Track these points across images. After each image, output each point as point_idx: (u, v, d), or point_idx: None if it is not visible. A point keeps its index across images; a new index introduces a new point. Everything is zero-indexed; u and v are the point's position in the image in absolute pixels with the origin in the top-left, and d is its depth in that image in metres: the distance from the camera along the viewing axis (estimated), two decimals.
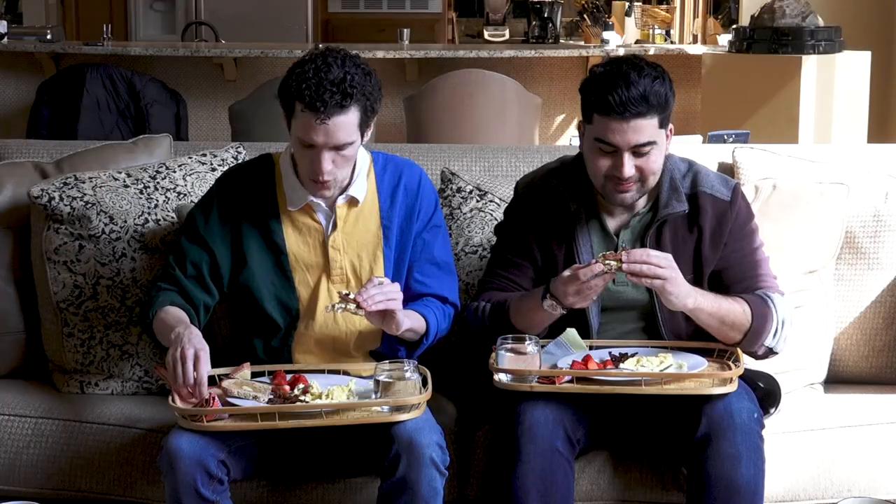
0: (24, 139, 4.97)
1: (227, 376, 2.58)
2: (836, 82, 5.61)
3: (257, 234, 2.72)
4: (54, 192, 2.98)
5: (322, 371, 2.67)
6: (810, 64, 5.53)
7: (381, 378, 2.47)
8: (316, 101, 2.54)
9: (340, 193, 2.72)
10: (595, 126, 2.60)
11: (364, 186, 2.75)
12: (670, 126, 2.66)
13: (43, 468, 2.78)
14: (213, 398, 2.46)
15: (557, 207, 2.72)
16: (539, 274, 2.74)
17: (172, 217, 3.00)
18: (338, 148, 2.59)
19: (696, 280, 2.67)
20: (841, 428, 2.77)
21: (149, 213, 3.00)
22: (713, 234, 2.68)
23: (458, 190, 3.14)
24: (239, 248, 2.73)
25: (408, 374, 2.49)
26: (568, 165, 2.79)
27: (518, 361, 2.55)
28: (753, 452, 2.48)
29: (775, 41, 5.66)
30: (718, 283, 2.70)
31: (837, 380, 3.09)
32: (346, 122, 2.58)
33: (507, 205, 2.87)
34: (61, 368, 3.02)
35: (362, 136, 2.65)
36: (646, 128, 2.57)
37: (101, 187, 3.01)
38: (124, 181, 3.03)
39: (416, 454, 2.43)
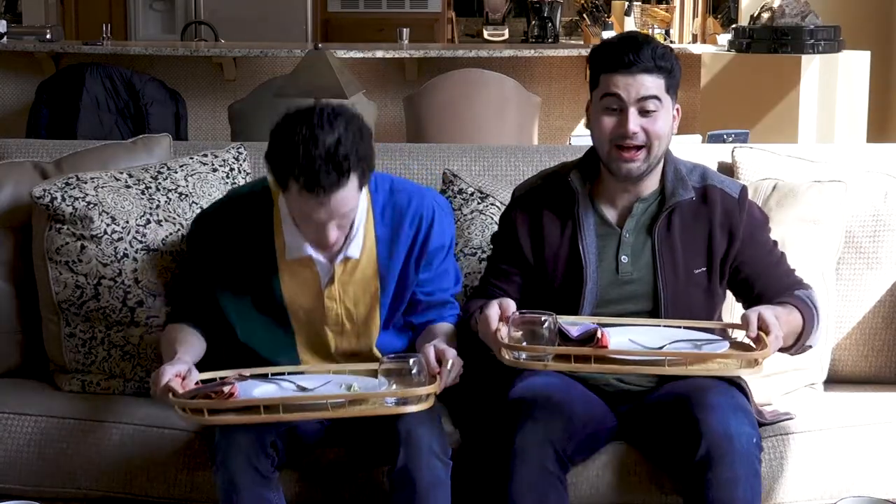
0: (23, 139, 4.95)
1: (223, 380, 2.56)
2: (835, 82, 5.61)
3: (255, 286, 2.68)
4: (56, 192, 2.97)
5: (327, 372, 2.65)
6: (810, 64, 5.53)
7: (387, 368, 2.45)
8: (312, 184, 2.41)
9: (338, 253, 2.63)
10: (601, 86, 2.63)
11: (361, 241, 2.65)
12: (677, 106, 2.67)
13: (43, 467, 2.78)
14: (230, 389, 2.41)
15: (559, 202, 2.71)
16: (531, 278, 2.72)
17: (174, 217, 3.00)
18: (342, 217, 2.51)
19: (710, 270, 2.67)
20: (841, 428, 2.77)
21: (150, 214, 2.99)
22: (722, 227, 2.66)
23: (460, 191, 3.13)
24: (235, 298, 2.70)
25: (414, 367, 2.45)
26: (565, 167, 2.78)
27: (533, 338, 2.46)
28: (752, 476, 2.46)
29: (775, 41, 5.67)
30: (746, 289, 2.69)
31: (837, 379, 3.09)
32: (347, 194, 2.46)
33: (503, 211, 2.83)
34: (62, 368, 3.02)
35: (361, 189, 2.53)
36: (652, 84, 2.60)
37: (102, 187, 3.01)
38: (126, 181, 3.03)
39: (415, 444, 2.43)
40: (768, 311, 2.47)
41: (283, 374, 2.61)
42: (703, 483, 2.44)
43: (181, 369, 2.48)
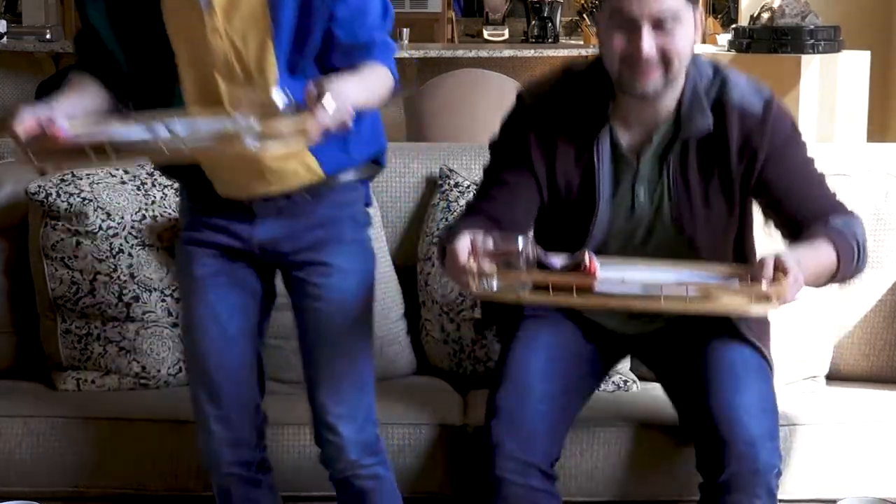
0: None
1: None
2: (835, 82, 5.61)
3: (137, 21, 2.24)
4: (51, 188, 2.98)
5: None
6: (810, 64, 5.53)
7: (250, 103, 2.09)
8: None
9: None
10: (608, 1, 2.24)
11: None
12: (700, 10, 2.29)
13: (40, 466, 2.78)
14: (53, 131, 2.07)
15: (574, 121, 2.37)
16: (538, 200, 2.40)
17: (170, 213, 3.00)
18: None
19: (730, 206, 2.39)
20: (841, 427, 2.76)
21: (146, 210, 3.00)
22: (740, 153, 2.34)
23: (456, 185, 3.15)
24: (118, 36, 2.28)
25: (279, 102, 2.05)
26: (577, 76, 2.41)
27: (508, 269, 2.11)
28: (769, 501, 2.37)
29: (775, 41, 5.65)
30: (776, 211, 2.39)
31: (837, 378, 3.08)
32: None
33: (507, 116, 2.45)
34: (58, 365, 3.02)
35: None
36: None
37: (98, 184, 3.01)
38: (121, 177, 3.03)
39: (346, 460, 2.45)
40: (787, 254, 2.12)
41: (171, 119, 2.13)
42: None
43: (41, 113, 2.11)
